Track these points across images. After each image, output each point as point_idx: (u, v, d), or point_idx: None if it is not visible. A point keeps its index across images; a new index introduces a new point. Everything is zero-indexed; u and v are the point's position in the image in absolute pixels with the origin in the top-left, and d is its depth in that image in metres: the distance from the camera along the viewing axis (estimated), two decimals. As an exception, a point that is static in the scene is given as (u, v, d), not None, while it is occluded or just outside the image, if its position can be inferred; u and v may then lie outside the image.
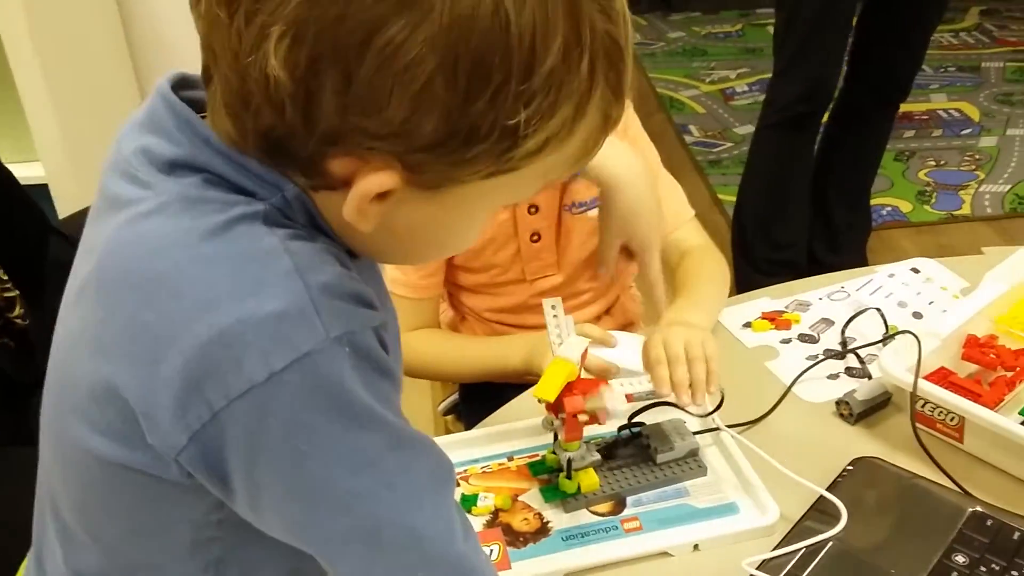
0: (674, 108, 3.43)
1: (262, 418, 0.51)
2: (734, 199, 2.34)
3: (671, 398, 0.94)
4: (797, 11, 2.02)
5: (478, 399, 1.21)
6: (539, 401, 0.86)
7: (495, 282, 1.23)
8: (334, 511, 0.55)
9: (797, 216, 2.27)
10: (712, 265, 1.18)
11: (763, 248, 2.26)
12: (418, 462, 0.57)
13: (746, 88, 3.53)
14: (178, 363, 0.51)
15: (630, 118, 1.21)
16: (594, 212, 1.10)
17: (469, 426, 1.05)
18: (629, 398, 0.92)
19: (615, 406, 0.89)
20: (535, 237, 1.19)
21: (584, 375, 0.90)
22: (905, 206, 2.78)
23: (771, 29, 2.14)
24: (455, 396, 1.37)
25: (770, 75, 2.16)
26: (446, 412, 1.38)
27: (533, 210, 1.18)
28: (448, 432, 1.36)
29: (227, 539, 0.61)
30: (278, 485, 0.54)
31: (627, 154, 0.89)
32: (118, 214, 0.57)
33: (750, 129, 2.31)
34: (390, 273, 1.20)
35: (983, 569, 0.80)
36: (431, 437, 0.58)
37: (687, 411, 0.98)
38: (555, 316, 0.91)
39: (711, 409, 0.97)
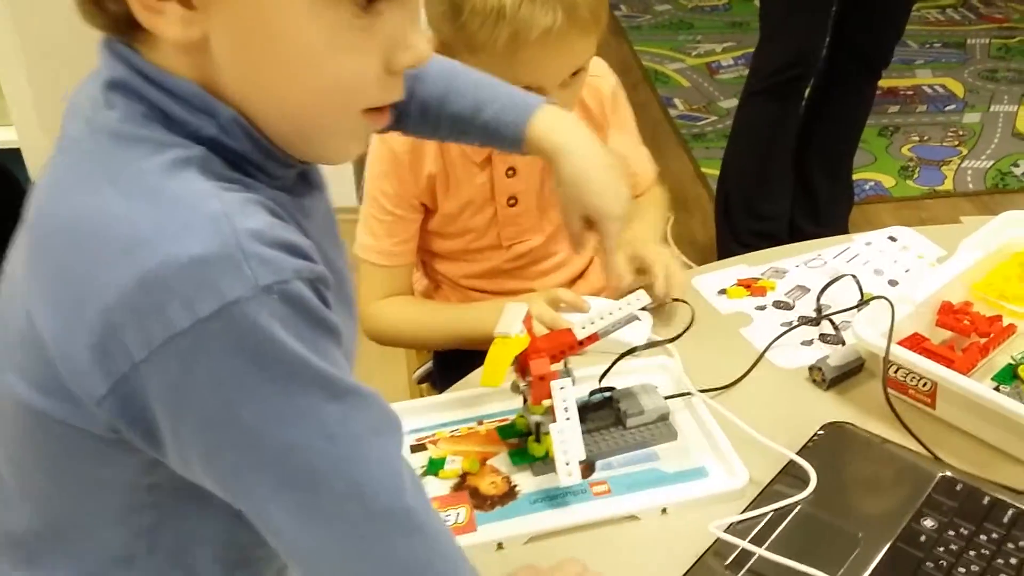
0: (659, 81, 3.40)
1: (188, 368, 0.49)
2: (718, 173, 2.33)
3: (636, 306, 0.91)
4: None
5: (452, 367, 1.20)
6: (481, 385, 0.85)
7: (470, 248, 1.22)
8: (269, 464, 0.53)
9: (780, 188, 2.26)
10: (654, 190, 1.30)
11: (746, 220, 2.25)
12: (360, 413, 0.55)
13: (731, 62, 3.50)
14: (98, 307, 0.50)
15: (615, 84, 1.21)
16: None
17: (443, 393, 1.04)
18: (595, 337, 0.89)
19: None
20: (512, 201, 1.18)
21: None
22: (888, 181, 2.78)
23: (757, 3, 2.12)
24: (429, 364, 1.36)
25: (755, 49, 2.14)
26: (421, 380, 1.37)
27: (511, 172, 1.16)
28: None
29: (161, 506, 0.59)
30: (208, 436, 0.52)
31: (568, 122, 0.85)
32: (61, 154, 0.56)
33: (735, 103, 2.30)
34: (363, 240, 1.19)
35: (951, 533, 0.79)
36: (375, 390, 0.57)
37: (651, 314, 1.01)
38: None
39: (684, 329, 1.04)
